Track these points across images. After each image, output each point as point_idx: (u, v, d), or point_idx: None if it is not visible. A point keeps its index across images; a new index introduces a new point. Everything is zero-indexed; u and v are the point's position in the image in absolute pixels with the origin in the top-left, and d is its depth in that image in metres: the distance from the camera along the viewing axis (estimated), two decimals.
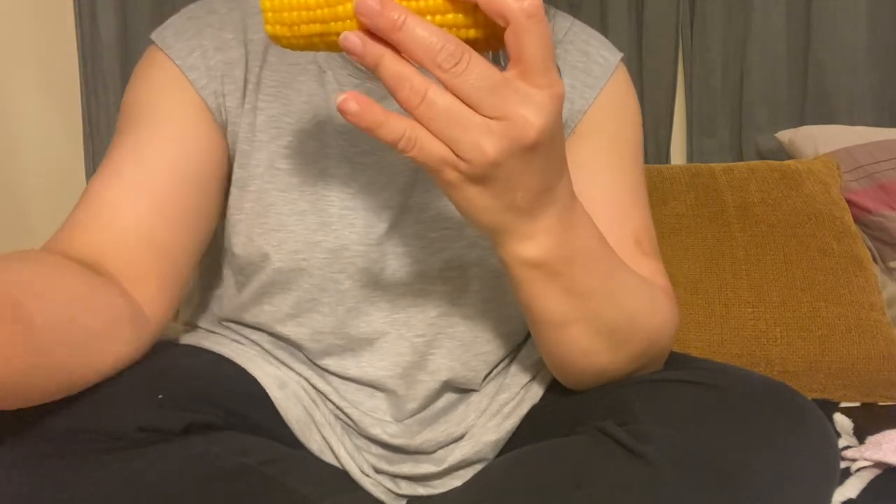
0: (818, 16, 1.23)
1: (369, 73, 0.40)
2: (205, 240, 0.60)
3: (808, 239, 0.98)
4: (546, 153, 0.40)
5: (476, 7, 0.37)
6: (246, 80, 0.59)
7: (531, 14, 0.36)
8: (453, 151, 0.38)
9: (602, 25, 1.25)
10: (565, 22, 0.66)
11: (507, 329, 0.63)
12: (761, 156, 1.27)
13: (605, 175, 0.60)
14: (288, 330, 0.61)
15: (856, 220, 1.05)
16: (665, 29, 1.25)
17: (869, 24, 1.23)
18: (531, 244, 0.44)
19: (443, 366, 0.61)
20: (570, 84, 0.62)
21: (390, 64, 0.37)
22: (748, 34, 1.24)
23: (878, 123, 1.22)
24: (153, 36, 0.61)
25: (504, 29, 0.37)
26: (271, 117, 0.59)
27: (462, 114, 0.37)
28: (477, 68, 0.37)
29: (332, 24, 0.39)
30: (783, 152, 1.23)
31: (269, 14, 0.40)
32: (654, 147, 1.29)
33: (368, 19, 0.36)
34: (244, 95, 0.59)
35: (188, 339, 0.64)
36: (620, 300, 0.51)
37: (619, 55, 0.65)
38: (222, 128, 0.60)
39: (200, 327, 0.67)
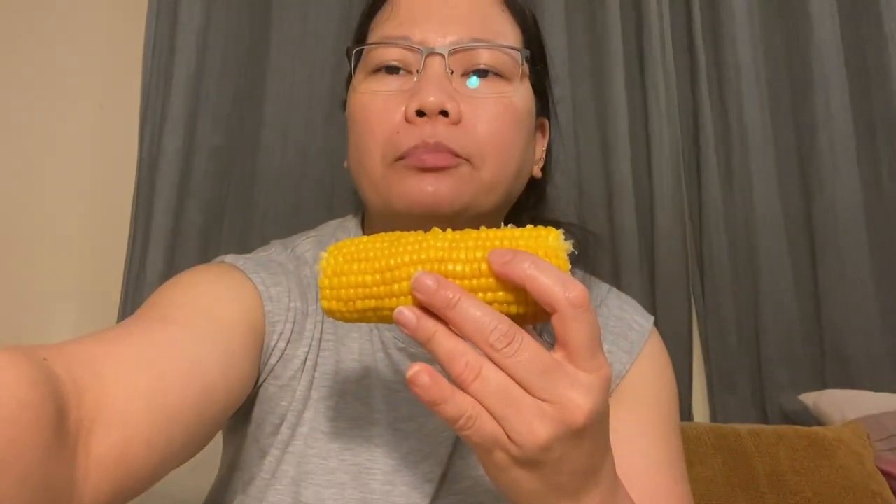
0: (825, 283, 1.29)
1: None
2: (168, 469, 0.46)
3: None
4: (594, 435, 0.39)
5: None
6: (312, 338, 0.58)
7: (577, 305, 0.36)
8: (505, 432, 0.37)
9: (614, 278, 1.31)
10: (601, 290, 0.68)
11: None
12: (786, 417, 1.25)
13: (645, 443, 0.58)
14: None
15: (893, 493, 0.99)
16: (676, 289, 1.30)
17: (876, 290, 1.28)
18: None
19: None
20: (607, 349, 0.62)
21: (444, 340, 0.37)
22: (758, 296, 1.29)
23: None
24: (228, 259, 0.59)
25: None
26: (324, 374, 0.58)
27: (516, 394, 0.37)
28: (528, 350, 0.37)
29: (387, 300, 0.40)
30: (808, 414, 1.20)
31: (327, 291, 0.42)
32: None
33: (424, 296, 0.37)
34: (308, 352, 0.58)
35: None
36: None
37: (652, 319, 0.66)
38: (259, 367, 0.56)
39: None
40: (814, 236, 1.31)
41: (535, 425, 0.37)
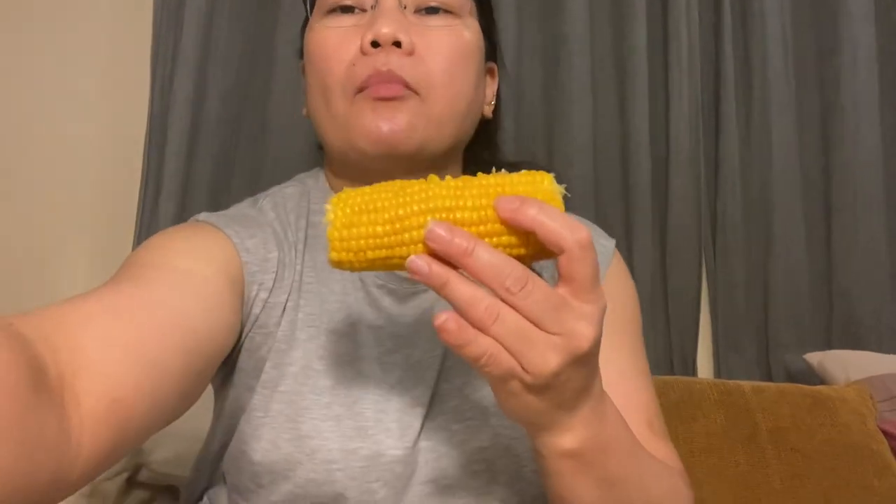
0: (838, 245, 1.28)
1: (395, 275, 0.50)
2: (162, 420, 0.48)
3: (847, 474, 0.93)
4: (594, 358, 0.43)
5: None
6: (293, 282, 0.60)
7: (584, 246, 0.40)
8: (520, 364, 0.40)
9: (626, 233, 1.30)
10: None
11: None
12: (790, 376, 1.25)
13: (615, 355, 0.62)
14: None
15: (894, 453, 1.00)
16: (687, 246, 1.29)
17: (889, 252, 1.27)
18: (570, 436, 0.45)
19: None
20: None
21: (460, 286, 0.40)
22: (769, 256, 1.28)
23: None
24: (202, 217, 0.61)
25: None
26: (309, 315, 0.60)
27: (530, 331, 0.40)
28: (540, 291, 0.40)
29: (397, 248, 0.42)
30: (813, 374, 1.21)
31: (337, 243, 0.43)
32: (681, 359, 1.28)
33: (440, 247, 0.40)
34: (289, 295, 0.60)
35: None
36: (648, 488, 0.51)
37: (613, 241, 0.71)
38: (242, 318, 0.58)
39: None
40: (830, 197, 1.30)
41: (547, 356, 0.40)
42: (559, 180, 0.43)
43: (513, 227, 0.41)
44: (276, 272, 0.59)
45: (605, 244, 0.70)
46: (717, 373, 1.30)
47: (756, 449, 0.97)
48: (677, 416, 1.02)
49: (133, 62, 1.34)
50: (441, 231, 0.39)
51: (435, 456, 0.58)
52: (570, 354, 0.40)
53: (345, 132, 0.60)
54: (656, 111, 1.31)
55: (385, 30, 0.57)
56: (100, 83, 1.35)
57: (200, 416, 0.73)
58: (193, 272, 0.53)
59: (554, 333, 0.40)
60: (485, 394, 0.60)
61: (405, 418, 0.58)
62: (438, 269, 0.40)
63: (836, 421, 0.99)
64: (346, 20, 0.60)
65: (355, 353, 0.59)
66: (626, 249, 1.30)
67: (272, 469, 0.56)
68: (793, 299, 1.27)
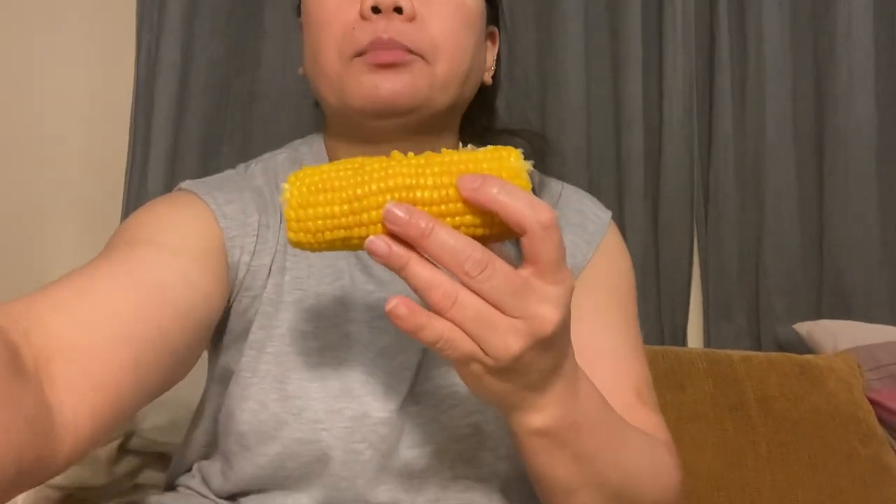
0: (829, 216, 1.28)
1: None
2: (151, 392, 0.49)
3: (833, 441, 0.94)
4: (560, 340, 0.42)
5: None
6: (277, 244, 0.60)
7: (546, 226, 0.38)
8: (480, 348, 0.40)
9: (619, 202, 1.30)
10: (557, 186, 0.71)
11: (519, 489, 0.61)
12: (780, 345, 1.26)
13: (606, 328, 0.62)
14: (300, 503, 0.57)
15: (880, 421, 1.02)
16: (679, 216, 1.29)
17: (880, 222, 1.27)
18: (540, 415, 0.45)
19: None
20: (570, 240, 0.65)
21: (418, 269, 0.39)
22: (762, 230, 1.28)
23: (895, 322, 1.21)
24: (184, 185, 0.62)
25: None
26: (296, 278, 0.60)
27: (490, 315, 0.39)
28: (500, 274, 0.38)
29: (356, 229, 0.41)
30: (802, 344, 1.22)
31: (294, 223, 0.42)
32: (671, 329, 1.29)
33: (397, 227, 0.38)
34: (274, 257, 0.60)
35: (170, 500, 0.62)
36: (625, 464, 0.51)
37: (609, 213, 0.70)
38: (229, 285, 0.59)
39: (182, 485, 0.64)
40: (822, 168, 1.29)
41: (509, 341, 0.39)
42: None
43: (474, 207, 0.39)
44: (258, 234, 0.60)
45: (600, 215, 0.69)
46: (707, 342, 1.31)
47: (743, 416, 0.98)
48: (666, 384, 1.03)
49: (118, 29, 1.31)
50: (399, 212, 0.38)
51: (423, 420, 0.58)
52: (533, 338, 0.39)
53: (340, 90, 0.59)
54: (650, 79, 1.30)
55: None
56: (85, 51, 1.32)
57: (192, 384, 0.73)
58: (173, 245, 0.53)
59: (516, 317, 0.39)
60: None
61: (393, 381, 0.58)
62: (399, 251, 0.39)
63: (824, 389, 1.00)
64: None
65: (345, 316, 0.59)
66: (618, 218, 1.30)
67: (260, 429, 0.56)
68: (784, 269, 1.28)
